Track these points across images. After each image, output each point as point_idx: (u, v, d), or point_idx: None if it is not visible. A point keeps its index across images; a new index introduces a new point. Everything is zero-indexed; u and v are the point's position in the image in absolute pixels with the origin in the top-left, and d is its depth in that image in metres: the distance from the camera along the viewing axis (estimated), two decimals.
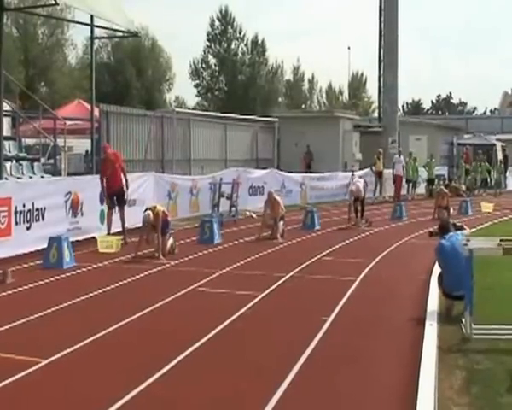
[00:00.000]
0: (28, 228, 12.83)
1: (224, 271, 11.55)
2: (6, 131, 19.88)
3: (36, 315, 8.36)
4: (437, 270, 9.69)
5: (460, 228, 9.62)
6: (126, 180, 15.04)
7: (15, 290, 9.88)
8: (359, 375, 6.41)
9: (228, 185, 19.33)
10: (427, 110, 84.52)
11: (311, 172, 28.41)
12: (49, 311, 8.61)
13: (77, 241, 13.69)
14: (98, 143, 19.80)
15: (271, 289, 10.09)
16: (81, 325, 7.96)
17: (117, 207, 14.92)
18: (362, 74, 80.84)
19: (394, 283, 10.88)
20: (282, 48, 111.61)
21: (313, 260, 12.81)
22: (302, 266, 12.07)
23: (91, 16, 17.64)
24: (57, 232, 12.80)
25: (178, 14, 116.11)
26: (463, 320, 7.59)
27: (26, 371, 6.27)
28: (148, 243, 13.08)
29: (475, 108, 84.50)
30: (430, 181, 30.77)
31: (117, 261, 12.55)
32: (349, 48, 78.07)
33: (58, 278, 10.95)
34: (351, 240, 15.81)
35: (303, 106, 75.81)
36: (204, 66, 68.86)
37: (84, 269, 11.74)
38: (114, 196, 14.85)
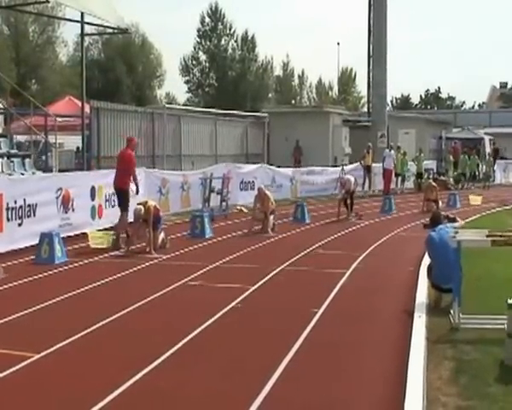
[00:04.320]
0: (20, 224, 12.84)
1: (215, 265, 11.60)
2: None
3: (28, 310, 8.38)
4: (426, 262, 9.79)
5: (453, 220, 9.72)
6: (136, 185, 14.01)
7: (7, 286, 9.90)
8: (348, 367, 6.48)
9: (218, 180, 19.37)
10: (416, 105, 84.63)
11: (300, 167, 28.42)
12: (41, 306, 8.64)
13: (68, 237, 13.71)
14: (89, 139, 19.82)
15: (262, 282, 10.16)
16: (73, 320, 8.00)
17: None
18: (351, 70, 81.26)
19: (384, 275, 10.97)
20: (272, 44, 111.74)
21: (304, 253, 12.88)
22: (293, 259, 12.15)
23: (82, 13, 17.64)
24: (49, 228, 12.80)
25: (169, 10, 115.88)
26: (452, 311, 7.67)
27: (19, 366, 6.31)
28: (138, 238, 13.11)
29: (464, 103, 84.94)
30: (419, 175, 30.86)
31: (108, 257, 12.59)
32: (338, 43, 77.66)
33: (50, 273, 10.97)
34: (341, 233, 15.91)
35: (293, 101, 75.89)
36: (194, 62, 68.92)
37: (76, 264, 11.76)
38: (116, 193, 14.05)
